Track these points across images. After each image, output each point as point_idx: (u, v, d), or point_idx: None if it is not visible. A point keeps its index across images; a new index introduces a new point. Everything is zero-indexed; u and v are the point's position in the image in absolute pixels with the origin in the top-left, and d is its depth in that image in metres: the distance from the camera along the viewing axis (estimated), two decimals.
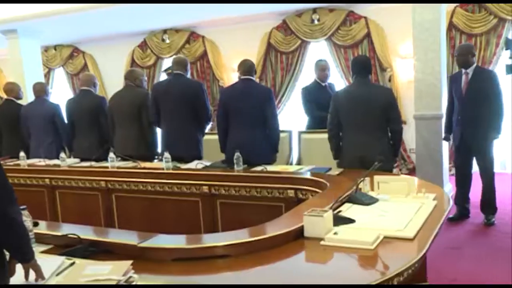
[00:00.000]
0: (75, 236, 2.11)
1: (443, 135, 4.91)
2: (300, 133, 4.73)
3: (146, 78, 5.17)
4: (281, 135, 4.66)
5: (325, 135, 4.58)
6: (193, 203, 3.70)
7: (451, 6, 6.58)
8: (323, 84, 5.17)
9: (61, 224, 3.38)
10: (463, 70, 4.66)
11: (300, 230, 2.10)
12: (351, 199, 2.57)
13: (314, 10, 7.57)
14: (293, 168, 3.78)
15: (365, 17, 7.25)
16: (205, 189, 3.61)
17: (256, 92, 4.08)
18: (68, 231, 2.16)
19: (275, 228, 2.14)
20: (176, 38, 8.93)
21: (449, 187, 5.37)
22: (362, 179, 2.65)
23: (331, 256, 1.92)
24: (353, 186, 2.65)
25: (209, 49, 8.65)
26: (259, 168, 3.74)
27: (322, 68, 5.14)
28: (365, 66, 3.80)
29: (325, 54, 7.65)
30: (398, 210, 2.39)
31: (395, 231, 2.06)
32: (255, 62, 8.09)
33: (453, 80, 4.81)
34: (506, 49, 4.15)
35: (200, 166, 3.96)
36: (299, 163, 4.64)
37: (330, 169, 3.59)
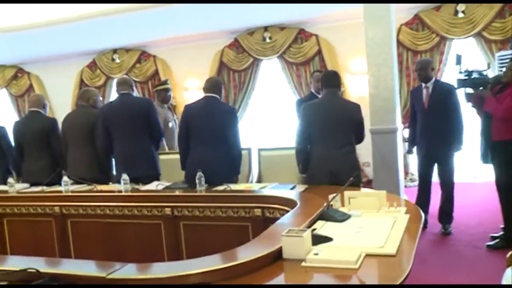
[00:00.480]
0: (33, 270, 1.88)
1: (406, 148, 4.99)
2: (260, 150, 4.64)
3: (101, 98, 4.93)
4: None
5: (285, 152, 4.56)
6: (154, 226, 3.49)
7: (397, 24, 6.75)
8: (319, 95, 5.12)
9: (11, 257, 3.07)
10: (423, 84, 4.77)
11: (278, 252, 1.97)
12: (324, 216, 2.48)
13: (266, 28, 7.58)
14: (256, 186, 3.66)
15: (316, 35, 7.32)
16: (168, 211, 3.42)
17: (218, 110, 3.92)
18: (25, 265, 1.93)
19: (251, 252, 2.00)
20: (126, 57, 8.69)
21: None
22: (335, 195, 2.57)
23: (313, 278, 1.81)
24: (323, 203, 2.58)
25: (160, 68, 8.47)
26: (221, 187, 3.60)
27: (317, 79, 5.07)
28: (334, 80, 3.77)
29: (277, 72, 7.67)
30: (373, 226, 2.32)
31: (376, 248, 1.98)
32: None
33: (414, 94, 4.92)
34: (456, 64, 4.26)
35: (160, 187, 3.77)
36: (259, 181, 4.54)
37: (295, 186, 3.51)
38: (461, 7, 6.39)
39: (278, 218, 2.98)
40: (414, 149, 5.04)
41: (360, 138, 3.67)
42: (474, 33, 6.38)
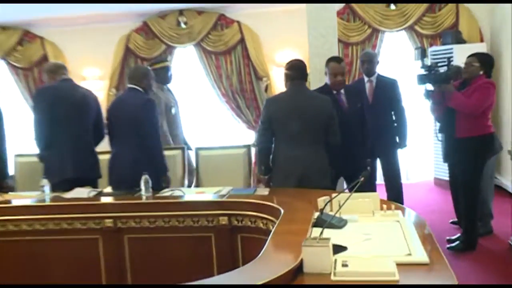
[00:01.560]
0: None
1: None
2: (198, 149, 4.46)
3: None
4: (173, 153, 4.41)
5: (227, 151, 4.44)
6: (90, 242, 3.18)
7: None
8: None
9: None
10: (366, 78, 4.91)
11: (298, 267, 1.87)
12: (319, 223, 2.42)
13: (181, 12, 7.35)
14: (209, 191, 3.49)
15: (238, 22, 7.26)
16: (108, 222, 3.14)
17: (132, 102, 3.78)
18: None
19: (267, 269, 1.87)
20: (3, 37, 7.88)
21: None
22: (330, 199, 2.52)
23: None
24: (310, 208, 2.53)
25: (50, 53, 7.81)
26: (168, 193, 3.39)
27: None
28: (301, 71, 3.71)
29: (193, 61, 7.48)
30: (381, 232, 2.31)
31: (404, 256, 1.96)
32: (111, 69, 7.62)
33: (355, 89, 5.03)
34: (418, 59, 4.42)
35: (93, 193, 3.45)
36: (197, 185, 4.38)
37: (255, 189, 3.41)
38: None
39: (252, 227, 2.92)
40: None
41: (335, 135, 3.60)
42: (406, 27, 6.76)
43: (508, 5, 6.19)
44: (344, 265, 1.86)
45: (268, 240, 2.15)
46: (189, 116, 7.36)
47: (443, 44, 6.49)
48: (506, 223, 4.50)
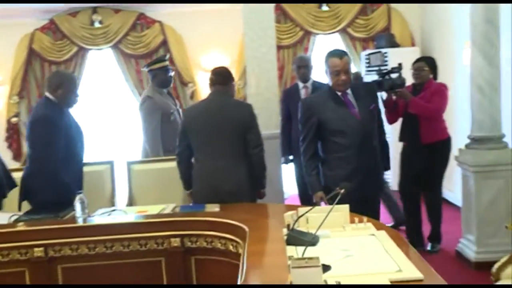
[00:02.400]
0: None
1: (283, 158, 5.11)
2: (130, 164, 4.28)
3: None
4: (99, 168, 4.23)
5: (163, 164, 4.30)
6: (14, 276, 2.93)
7: None
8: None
9: None
10: (301, 84, 4.96)
11: None
12: (290, 240, 2.39)
13: (94, 10, 7.09)
14: (153, 209, 3.34)
15: (159, 22, 7.12)
16: (38, 252, 2.90)
17: (32, 114, 3.69)
18: None
19: None
20: None
21: None
22: (301, 215, 2.49)
23: None
24: (276, 224, 2.49)
25: None
26: (101, 212, 3.23)
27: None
28: (222, 76, 3.69)
29: (111, 65, 7.23)
30: (360, 247, 2.31)
31: (395, 273, 1.96)
32: (12, 73, 7.17)
33: (289, 95, 5.07)
34: (377, 64, 4.57)
35: (14, 218, 3.19)
36: (131, 203, 4.20)
37: (204, 207, 3.31)
38: None
39: (208, 248, 2.83)
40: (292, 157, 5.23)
41: (252, 145, 3.52)
42: (339, 29, 6.96)
43: (438, 9, 6.56)
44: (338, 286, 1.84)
45: (244, 263, 2.07)
46: (108, 127, 7.13)
47: (377, 47, 6.74)
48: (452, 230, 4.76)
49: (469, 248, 4.29)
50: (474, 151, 4.19)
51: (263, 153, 3.61)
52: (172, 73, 4.77)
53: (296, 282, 1.83)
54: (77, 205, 3.07)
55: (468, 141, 4.35)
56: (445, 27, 6.39)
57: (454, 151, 4.58)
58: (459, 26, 5.81)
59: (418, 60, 4.59)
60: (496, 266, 2.68)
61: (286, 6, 6.92)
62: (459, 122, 5.63)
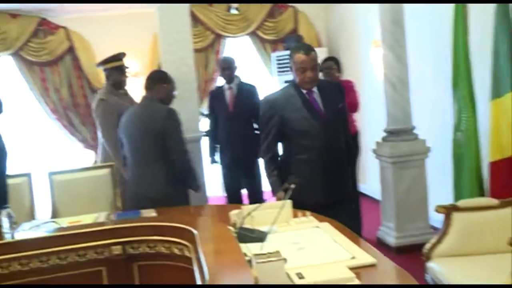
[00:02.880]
0: None
1: (209, 158, 5.13)
2: (51, 174, 4.09)
3: None
4: (16, 181, 4.03)
5: (87, 173, 4.19)
6: None
7: None
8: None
9: None
10: (227, 85, 5.00)
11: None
12: (241, 238, 2.42)
13: None
14: (86, 218, 3.25)
15: (64, 27, 6.85)
16: None
17: None
18: None
19: None
20: None
21: None
22: (249, 212, 2.53)
23: None
24: (222, 224, 2.52)
25: None
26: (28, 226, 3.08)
27: None
28: (149, 80, 3.68)
29: (12, 72, 6.85)
30: (309, 239, 2.39)
31: (349, 260, 2.06)
32: None
33: (214, 96, 5.09)
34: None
35: None
36: (54, 215, 4.02)
37: (139, 212, 3.26)
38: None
39: (151, 253, 2.79)
40: (218, 158, 5.26)
41: (172, 151, 3.46)
42: (249, 32, 7.06)
43: (341, 12, 6.88)
44: (301, 277, 1.90)
45: (202, 264, 2.07)
46: (16, 138, 6.76)
47: (287, 49, 6.91)
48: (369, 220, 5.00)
49: (389, 235, 4.54)
50: (391, 143, 4.45)
51: (186, 157, 3.57)
52: (128, 73, 4.57)
53: (261, 276, 1.87)
54: (4, 221, 2.90)
55: (383, 134, 4.61)
56: (350, 28, 6.70)
57: (369, 145, 4.84)
58: (365, 27, 6.14)
59: (327, 60, 4.84)
60: (426, 247, 2.87)
61: (196, 10, 6.91)
62: (370, 117, 5.94)
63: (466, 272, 2.64)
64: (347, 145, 3.29)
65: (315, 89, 3.18)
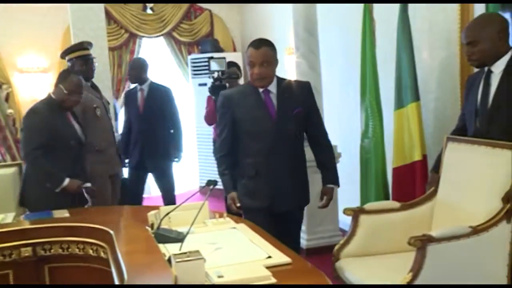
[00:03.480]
0: None
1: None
2: None
3: None
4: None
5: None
6: None
7: None
8: None
9: None
10: (138, 86, 4.96)
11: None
12: (158, 238, 2.44)
13: None
14: None
15: None
16: None
17: None
18: None
19: None
20: None
21: None
22: (167, 213, 2.55)
23: None
24: (138, 224, 2.53)
25: None
26: None
27: None
28: (57, 79, 3.65)
29: None
30: (226, 240, 2.45)
31: (265, 259, 2.13)
32: None
33: (128, 98, 5.04)
34: (218, 68, 4.78)
35: None
36: None
37: (51, 213, 3.18)
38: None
39: (64, 255, 2.75)
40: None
41: (23, 155, 3.55)
42: (165, 33, 7.04)
43: (256, 18, 7.02)
44: (220, 276, 1.95)
45: (120, 264, 2.08)
46: None
47: (202, 52, 6.98)
48: None
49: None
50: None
51: (31, 159, 3.44)
52: (95, 63, 4.27)
53: (181, 275, 1.90)
54: None
55: None
56: (265, 34, 6.80)
57: None
58: (279, 34, 6.31)
59: (231, 65, 4.97)
60: (336, 248, 3.01)
61: (110, 8, 6.79)
62: None
63: (370, 270, 2.79)
64: (321, 148, 3.19)
65: (273, 89, 2.99)
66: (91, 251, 2.67)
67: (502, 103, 2.75)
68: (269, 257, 2.16)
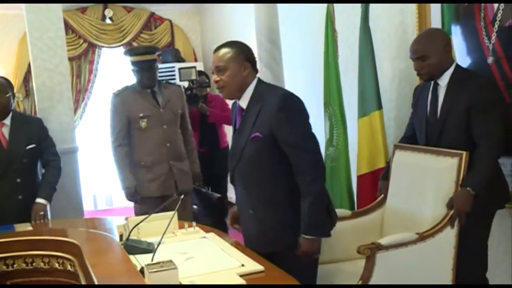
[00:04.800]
0: None
1: None
2: None
3: None
4: None
5: None
6: None
7: None
8: None
9: None
10: None
11: None
12: (128, 250, 2.42)
13: None
14: None
15: None
16: None
17: None
18: None
19: None
20: None
21: None
22: (136, 224, 2.53)
23: None
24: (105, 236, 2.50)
25: None
26: None
27: None
28: None
29: None
30: (196, 249, 2.45)
31: (239, 268, 2.14)
32: None
33: None
34: (190, 78, 4.83)
35: None
36: None
37: (13, 226, 3.11)
38: (109, 12, 6.89)
39: (28, 269, 2.69)
40: None
41: None
42: (125, 43, 6.98)
43: (217, 28, 7.06)
44: (194, 285, 1.95)
45: (91, 276, 2.04)
46: None
47: (164, 62, 6.94)
48: None
49: None
50: None
51: None
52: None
53: (155, 285, 1.89)
54: None
55: None
56: None
57: None
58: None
59: (199, 74, 5.07)
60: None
61: (67, 17, 6.68)
62: None
63: (325, 279, 2.83)
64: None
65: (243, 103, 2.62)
66: (57, 265, 2.60)
67: (449, 115, 2.88)
68: (242, 265, 2.18)
